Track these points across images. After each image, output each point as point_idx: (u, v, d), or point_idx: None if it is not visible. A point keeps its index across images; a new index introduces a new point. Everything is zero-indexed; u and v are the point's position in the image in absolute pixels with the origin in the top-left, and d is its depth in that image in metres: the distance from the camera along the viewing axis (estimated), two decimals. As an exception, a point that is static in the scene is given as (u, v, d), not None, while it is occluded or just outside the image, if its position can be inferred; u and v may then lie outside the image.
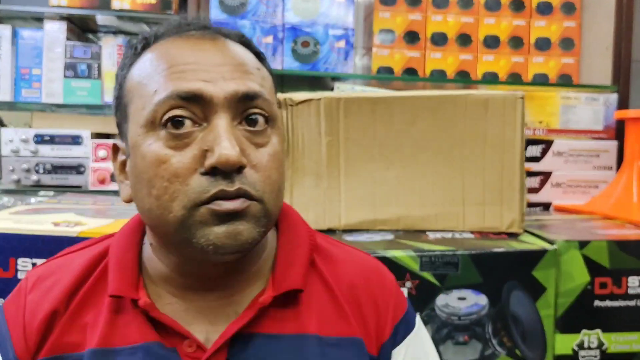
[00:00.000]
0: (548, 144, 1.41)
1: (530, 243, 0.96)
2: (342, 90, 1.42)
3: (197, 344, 0.54)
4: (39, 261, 0.82)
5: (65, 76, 1.53)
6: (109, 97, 1.52)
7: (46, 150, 1.52)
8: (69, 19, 1.53)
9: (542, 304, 0.93)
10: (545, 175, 1.41)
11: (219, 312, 0.56)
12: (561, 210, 1.38)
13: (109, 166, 1.51)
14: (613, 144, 1.43)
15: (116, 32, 1.70)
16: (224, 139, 0.50)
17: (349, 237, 0.98)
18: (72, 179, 1.53)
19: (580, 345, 0.95)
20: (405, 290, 0.89)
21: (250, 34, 1.38)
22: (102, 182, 1.51)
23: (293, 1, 1.38)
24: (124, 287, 0.56)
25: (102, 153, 1.51)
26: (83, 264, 0.60)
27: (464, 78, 1.61)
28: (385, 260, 0.88)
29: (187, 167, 0.51)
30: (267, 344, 0.55)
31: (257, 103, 0.53)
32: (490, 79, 1.60)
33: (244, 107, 0.53)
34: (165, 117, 0.51)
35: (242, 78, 0.53)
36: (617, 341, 0.96)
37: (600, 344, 0.96)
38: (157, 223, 0.53)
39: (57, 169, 1.52)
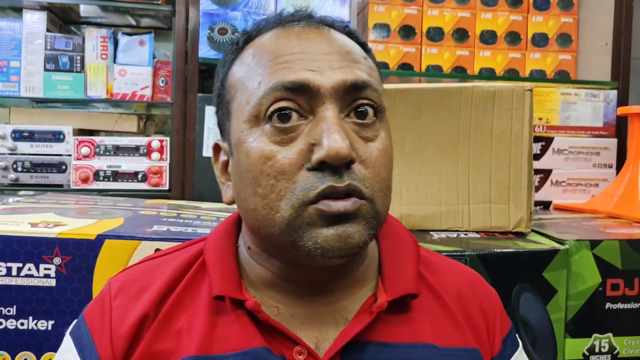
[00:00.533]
0: (548, 141, 1.37)
1: (540, 243, 0.91)
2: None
3: (309, 351, 0.51)
4: (14, 265, 0.76)
5: (45, 69, 1.46)
6: (92, 92, 1.45)
7: (25, 147, 1.45)
8: (50, 9, 1.47)
9: (553, 307, 0.89)
10: (545, 174, 1.38)
11: (327, 318, 0.54)
12: (562, 209, 1.35)
13: (92, 164, 1.44)
14: (613, 142, 1.40)
15: (100, 24, 1.63)
16: (333, 132, 0.47)
17: (349, 237, 0.93)
18: (53, 178, 1.46)
19: (591, 350, 0.91)
20: (410, 294, 0.84)
21: (241, 25, 1.32)
22: (85, 180, 1.44)
23: (286, -8, 1.33)
24: (228, 287, 0.53)
25: (84, 150, 1.44)
26: (175, 267, 0.57)
27: (460, 74, 1.57)
28: (390, 262, 0.83)
29: (293, 162, 0.48)
30: (381, 352, 0.52)
31: (366, 93, 0.51)
32: (487, 74, 1.57)
33: (352, 98, 0.50)
34: (270, 109, 0.49)
35: (350, 67, 0.51)
36: (629, 345, 0.92)
37: (612, 349, 0.92)
38: (262, 224, 0.51)
39: (36, 167, 1.44)
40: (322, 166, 0.48)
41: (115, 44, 1.46)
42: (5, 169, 1.41)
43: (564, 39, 1.59)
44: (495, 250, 0.87)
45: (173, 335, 0.53)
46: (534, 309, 0.89)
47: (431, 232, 0.98)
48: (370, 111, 0.51)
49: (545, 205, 1.38)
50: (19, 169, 1.43)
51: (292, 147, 0.49)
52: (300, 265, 0.52)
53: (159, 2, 1.33)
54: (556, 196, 1.39)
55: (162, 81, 1.46)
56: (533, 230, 1.01)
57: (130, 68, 1.43)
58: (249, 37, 0.55)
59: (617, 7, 1.44)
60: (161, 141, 1.45)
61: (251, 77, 0.52)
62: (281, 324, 0.52)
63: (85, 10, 1.52)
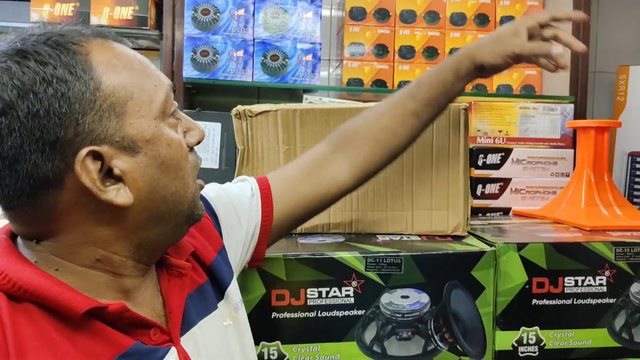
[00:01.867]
0: (507, 151, 1.47)
1: (471, 245, 1.02)
2: (310, 101, 1.49)
3: (161, 329, 0.59)
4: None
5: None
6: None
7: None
8: (51, 34, 1.60)
9: (482, 302, 0.99)
10: (505, 182, 1.48)
11: (152, 296, 0.63)
12: (519, 215, 1.44)
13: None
14: (570, 152, 1.49)
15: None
16: (195, 121, 0.63)
17: (302, 240, 1.05)
18: None
19: (520, 342, 1.01)
20: (351, 290, 0.95)
21: (222, 48, 1.45)
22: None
23: (263, 17, 1.46)
24: (88, 300, 0.53)
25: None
26: None
27: (431, 89, 1.67)
28: (333, 261, 0.94)
29: (186, 146, 0.60)
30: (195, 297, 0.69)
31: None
32: (456, 90, 1.67)
33: None
34: (171, 107, 0.59)
35: None
36: (555, 337, 1.02)
37: (539, 340, 1.02)
38: (175, 204, 0.59)
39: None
40: (194, 146, 0.62)
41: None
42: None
43: (529, 56, 1.69)
44: (428, 251, 0.98)
45: None
46: (464, 303, 0.99)
47: (377, 235, 1.09)
48: None
49: (505, 211, 1.48)
50: None
51: (180, 135, 0.61)
52: (173, 240, 0.63)
53: (147, 28, 1.47)
54: (515, 203, 1.48)
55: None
56: (472, 234, 1.11)
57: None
58: (75, 45, 0.53)
59: (574, 23, 1.53)
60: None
61: (142, 80, 0.56)
62: (141, 315, 0.57)
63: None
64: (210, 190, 0.80)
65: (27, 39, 0.52)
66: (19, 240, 0.57)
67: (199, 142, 0.62)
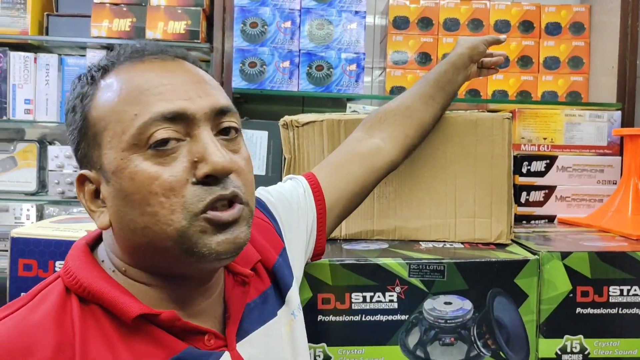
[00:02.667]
0: (552, 159, 1.47)
1: (515, 253, 1.03)
2: (354, 109, 1.53)
3: (215, 335, 0.61)
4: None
5: (105, 98, 1.69)
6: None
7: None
8: (108, 48, 1.70)
9: (525, 310, 1.00)
10: (550, 189, 1.47)
11: (211, 306, 0.64)
12: (564, 223, 1.44)
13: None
14: (617, 160, 1.47)
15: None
16: (214, 149, 0.55)
17: (347, 246, 1.08)
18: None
19: (564, 350, 1.01)
20: (394, 295, 0.98)
21: (269, 59, 1.50)
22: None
23: (308, 29, 1.50)
24: (141, 306, 0.56)
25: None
26: (51, 315, 0.54)
27: (474, 96, 1.68)
28: (376, 267, 0.97)
29: (179, 179, 0.54)
30: (257, 308, 0.70)
31: (229, 115, 0.59)
32: (500, 97, 1.67)
33: (219, 120, 0.58)
34: (152, 139, 0.54)
35: (213, 94, 0.58)
36: (600, 347, 1.01)
37: (583, 349, 1.01)
38: (153, 239, 0.55)
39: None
40: (206, 180, 0.54)
41: (163, 76, 1.68)
42: (71, 184, 1.65)
43: (576, 62, 1.68)
44: (471, 258, 1.00)
45: None
46: (507, 310, 1.00)
47: (420, 242, 1.11)
48: (233, 130, 0.59)
49: (550, 219, 1.48)
50: (83, 184, 1.66)
51: (176, 166, 0.54)
52: (186, 273, 0.59)
53: (199, 41, 1.53)
54: (561, 211, 1.48)
55: (203, 107, 1.67)
56: (516, 242, 1.12)
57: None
58: (104, 71, 0.58)
59: (622, 31, 1.51)
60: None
61: (123, 110, 0.55)
62: (193, 323, 0.59)
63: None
64: (271, 194, 0.83)
65: (100, 59, 0.61)
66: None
67: (208, 175, 0.55)
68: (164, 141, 0.54)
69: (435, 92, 1.02)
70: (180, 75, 0.58)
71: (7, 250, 1.59)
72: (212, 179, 0.55)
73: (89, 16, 1.58)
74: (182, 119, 0.55)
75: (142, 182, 0.54)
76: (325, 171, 0.89)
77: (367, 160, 0.91)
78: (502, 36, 1.12)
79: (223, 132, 0.59)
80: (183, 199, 0.54)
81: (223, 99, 0.59)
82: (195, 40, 1.56)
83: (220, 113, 0.58)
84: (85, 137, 0.57)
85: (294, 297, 0.77)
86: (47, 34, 1.64)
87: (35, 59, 1.64)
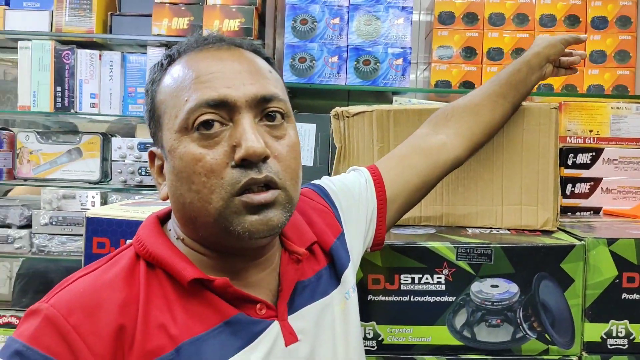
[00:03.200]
0: (598, 151, 1.48)
1: (561, 239, 1.05)
2: (399, 102, 1.57)
3: (267, 305, 0.66)
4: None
5: (163, 93, 1.79)
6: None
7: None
8: (167, 45, 1.79)
9: (571, 294, 1.02)
10: (595, 182, 1.48)
11: (263, 280, 0.69)
12: (610, 214, 1.44)
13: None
14: (665, 152, 1.47)
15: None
16: (249, 134, 0.58)
17: (395, 231, 1.13)
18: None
19: (609, 334, 1.03)
20: (442, 277, 1.02)
21: (318, 54, 1.56)
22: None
23: (356, 25, 1.55)
24: (196, 271, 0.61)
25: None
26: (121, 275, 0.61)
27: (519, 90, 1.70)
28: (425, 250, 1.02)
29: (219, 162, 0.59)
30: (306, 287, 0.73)
31: (274, 102, 0.62)
32: (545, 90, 1.69)
33: (263, 107, 0.61)
34: (197, 121, 0.59)
35: (259, 82, 0.62)
36: (646, 332, 1.03)
37: (629, 334, 1.03)
38: (197, 215, 0.61)
39: (154, 172, 1.78)
40: (243, 163, 0.58)
41: (217, 71, 1.77)
42: (133, 173, 1.76)
43: (622, 56, 1.68)
44: (518, 243, 1.03)
45: (159, 331, 0.59)
46: (553, 294, 1.03)
47: (467, 229, 1.15)
48: (278, 115, 0.62)
49: (596, 210, 1.49)
50: (143, 173, 1.76)
51: (218, 150, 0.59)
52: (232, 247, 0.63)
53: (252, 38, 1.61)
54: (606, 203, 1.48)
55: (254, 102, 1.75)
56: (562, 230, 1.15)
57: (229, 91, 1.72)
58: (171, 60, 0.64)
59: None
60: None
61: (178, 95, 0.60)
62: (245, 291, 0.63)
63: (194, 44, 1.84)
64: (334, 183, 0.87)
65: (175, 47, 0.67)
66: None
67: (244, 159, 0.58)
68: (207, 123, 0.59)
69: (506, 91, 1.02)
70: (230, 63, 0.62)
71: (74, 235, 1.70)
72: (247, 163, 0.59)
73: (150, 15, 1.67)
74: (224, 106, 0.59)
75: (189, 162, 0.59)
76: (388, 164, 0.92)
77: (431, 155, 0.93)
78: (583, 35, 1.10)
79: (268, 118, 0.62)
80: (222, 180, 0.59)
81: (270, 87, 0.62)
82: (249, 37, 1.64)
83: (263, 100, 0.61)
84: (152, 118, 0.65)
85: (350, 277, 0.80)
86: (110, 32, 1.74)
87: (100, 56, 1.75)
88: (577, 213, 1.47)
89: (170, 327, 0.59)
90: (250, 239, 0.60)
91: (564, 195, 1.45)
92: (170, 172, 0.62)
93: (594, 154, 1.48)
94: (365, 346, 0.97)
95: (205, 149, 0.59)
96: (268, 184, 0.60)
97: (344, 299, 0.78)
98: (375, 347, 1.02)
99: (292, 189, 0.63)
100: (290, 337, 0.67)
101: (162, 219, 0.70)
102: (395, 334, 1.03)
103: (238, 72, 0.61)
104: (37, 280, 1.89)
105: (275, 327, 0.66)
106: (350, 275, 0.80)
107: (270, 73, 0.65)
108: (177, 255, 0.62)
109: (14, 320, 1.78)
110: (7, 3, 1.78)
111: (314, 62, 1.52)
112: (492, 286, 1.02)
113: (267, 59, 0.67)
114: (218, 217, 0.59)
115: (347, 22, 1.55)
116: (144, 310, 0.59)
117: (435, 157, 0.93)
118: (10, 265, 2.13)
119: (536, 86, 1.67)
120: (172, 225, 0.68)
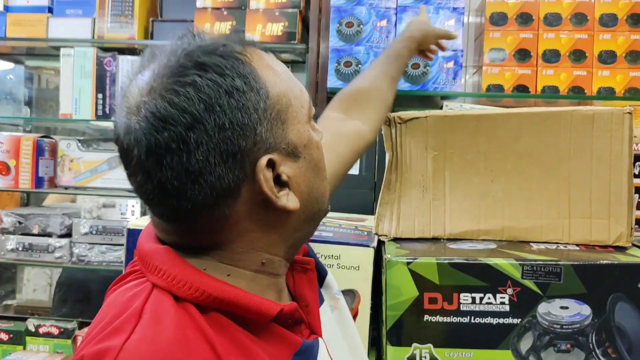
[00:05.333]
0: (662, 159, 1.37)
1: (637, 257, 0.96)
2: (450, 108, 1.49)
3: (305, 324, 0.63)
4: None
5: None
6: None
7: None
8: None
9: (650, 318, 0.93)
10: (661, 192, 1.37)
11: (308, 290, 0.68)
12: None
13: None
14: None
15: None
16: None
17: (452, 245, 1.05)
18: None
19: (694, 362, 0.94)
20: (506, 297, 0.94)
21: (364, 58, 1.50)
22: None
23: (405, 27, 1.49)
24: (273, 303, 0.56)
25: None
26: (180, 334, 0.49)
27: (577, 94, 1.60)
28: (487, 268, 0.94)
29: None
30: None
31: None
32: (606, 94, 1.58)
33: None
34: (312, 111, 0.62)
35: None
36: None
37: None
38: (322, 204, 0.62)
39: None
40: None
41: (259, 77, 1.73)
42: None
43: (692, 56, 1.56)
44: (590, 261, 0.94)
45: None
46: (630, 317, 0.94)
47: (531, 243, 1.06)
48: None
49: (665, 223, 1.37)
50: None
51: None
52: (304, 239, 0.65)
53: (295, 42, 1.56)
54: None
55: (297, 108, 1.70)
56: (637, 246, 1.05)
57: (271, 97, 1.68)
58: (239, 55, 0.55)
59: None
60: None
61: (291, 87, 0.58)
62: (304, 316, 0.62)
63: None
64: None
65: (193, 52, 0.52)
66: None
67: None
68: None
69: (395, 73, 1.11)
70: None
71: (113, 245, 1.68)
72: None
73: (192, 20, 1.64)
74: None
75: (321, 150, 0.61)
76: None
77: (352, 142, 0.96)
78: (454, 33, 1.22)
79: None
80: None
81: None
82: (292, 42, 1.59)
83: None
84: (266, 118, 0.54)
85: (332, 281, 0.78)
86: (152, 38, 1.72)
87: (141, 62, 1.73)
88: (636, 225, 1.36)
89: None
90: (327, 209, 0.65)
91: (638, 207, 1.35)
92: (308, 168, 0.59)
93: (665, 162, 1.37)
94: (422, 372, 0.91)
95: (317, 134, 0.62)
96: None
97: (334, 297, 0.76)
98: (433, 373, 0.94)
99: None
100: (328, 352, 0.65)
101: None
102: (454, 357, 0.95)
103: None
104: (76, 289, 1.87)
105: (322, 345, 0.63)
106: (332, 280, 0.78)
107: None
108: (241, 290, 0.54)
109: (54, 330, 1.77)
110: (51, 11, 1.78)
111: (360, 66, 1.46)
112: (562, 307, 0.94)
113: None
114: (327, 200, 0.64)
115: (395, 25, 1.49)
116: None
117: (356, 144, 0.97)
118: (51, 272, 2.13)
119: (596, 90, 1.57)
120: (215, 262, 0.57)
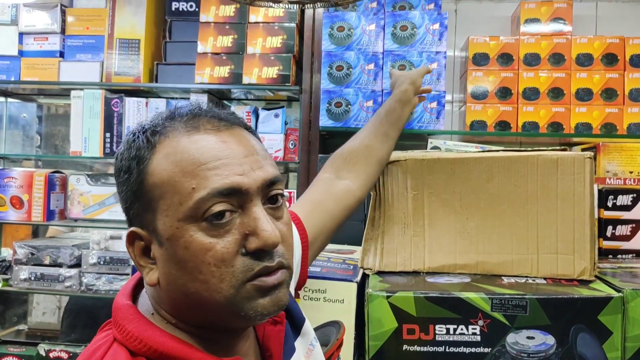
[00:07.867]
0: (639, 193, 1.45)
1: (598, 290, 1.04)
2: (435, 144, 1.59)
3: None
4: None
5: (204, 136, 1.86)
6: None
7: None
8: (210, 92, 1.87)
9: (609, 347, 1.01)
10: (637, 224, 1.45)
11: (251, 347, 0.69)
12: (653, 258, 1.41)
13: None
14: None
15: (246, 99, 2.03)
16: (265, 224, 0.58)
17: (430, 279, 1.14)
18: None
19: (651, 389, 1.01)
20: (477, 328, 1.02)
21: (353, 99, 1.60)
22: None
23: (390, 70, 1.59)
24: (212, 358, 0.60)
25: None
26: None
27: (556, 130, 1.69)
28: (459, 301, 1.02)
29: (231, 251, 0.57)
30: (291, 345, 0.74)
31: (277, 185, 0.62)
32: (583, 130, 1.67)
33: (268, 190, 0.61)
34: (208, 212, 0.56)
35: (264, 165, 0.61)
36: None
37: (673, 389, 1.01)
38: (202, 303, 0.58)
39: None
40: (256, 251, 0.58)
41: (257, 116, 1.84)
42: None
43: (664, 93, 1.65)
44: (554, 295, 1.02)
45: None
46: (591, 347, 1.01)
47: (502, 277, 1.14)
48: (279, 197, 0.62)
49: (638, 253, 1.46)
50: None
51: (228, 238, 0.57)
52: (235, 328, 0.63)
53: (289, 84, 1.66)
54: (650, 245, 1.45)
55: (292, 144, 1.80)
56: (600, 279, 1.13)
57: (268, 135, 1.79)
58: (160, 135, 0.60)
59: None
60: (290, 193, 1.77)
61: (180, 181, 0.57)
62: None
63: (235, 91, 1.91)
64: None
65: (142, 123, 0.63)
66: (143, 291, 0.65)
67: (259, 249, 0.58)
68: (220, 214, 0.57)
69: (388, 128, 1.17)
70: (234, 147, 0.60)
71: (120, 274, 1.77)
72: (261, 251, 0.58)
73: (193, 64, 1.75)
74: (236, 194, 0.58)
75: (196, 252, 0.57)
76: (305, 208, 0.98)
77: (341, 200, 1.03)
78: (431, 66, 1.38)
79: (271, 201, 0.62)
80: (232, 268, 0.57)
81: (272, 169, 0.62)
82: (286, 84, 1.69)
83: (270, 184, 0.61)
84: (139, 200, 0.59)
85: (309, 329, 0.81)
86: (156, 80, 1.84)
87: (146, 103, 1.84)
88: (619, 256, 1.44)
89: None
90: (261, 319, 0.60)
91: (604, 238, 1.43)
92: (168, 260, 0.58)
93: (635, 195, 1.45)
94: (400, 398, 0.98)
95: (215, 238, 0.57)
96: (278, 268, 0.61)
97: (309, 348, 0.79)
98: (410, 399, 1.02)
99: (292, 265, 0.64)
100: None
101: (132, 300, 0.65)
102: (430, 384, 1.03)
103: (244, 157, 0.60)
104: (85, 315, 1.97)
105: None
106: (309, 327, 0.81)
107: (265, 151, 0.65)
108: (184, 344, 0.59)
109: (64, 355, 1.86)
110: (62, 55, 1.90)
111: (349, 106, 1.56)
112: (528, 337, 1.02)
113: (253, 132, 0.67)
114: (227, 304, 0.58)
115: (382, 68, 1.59)
116: None
117: (345, 201, 1.03)
118: (59, 296, 2.23)
119: (574, 126, 1.66)
120: (153, 308, 0.63)
